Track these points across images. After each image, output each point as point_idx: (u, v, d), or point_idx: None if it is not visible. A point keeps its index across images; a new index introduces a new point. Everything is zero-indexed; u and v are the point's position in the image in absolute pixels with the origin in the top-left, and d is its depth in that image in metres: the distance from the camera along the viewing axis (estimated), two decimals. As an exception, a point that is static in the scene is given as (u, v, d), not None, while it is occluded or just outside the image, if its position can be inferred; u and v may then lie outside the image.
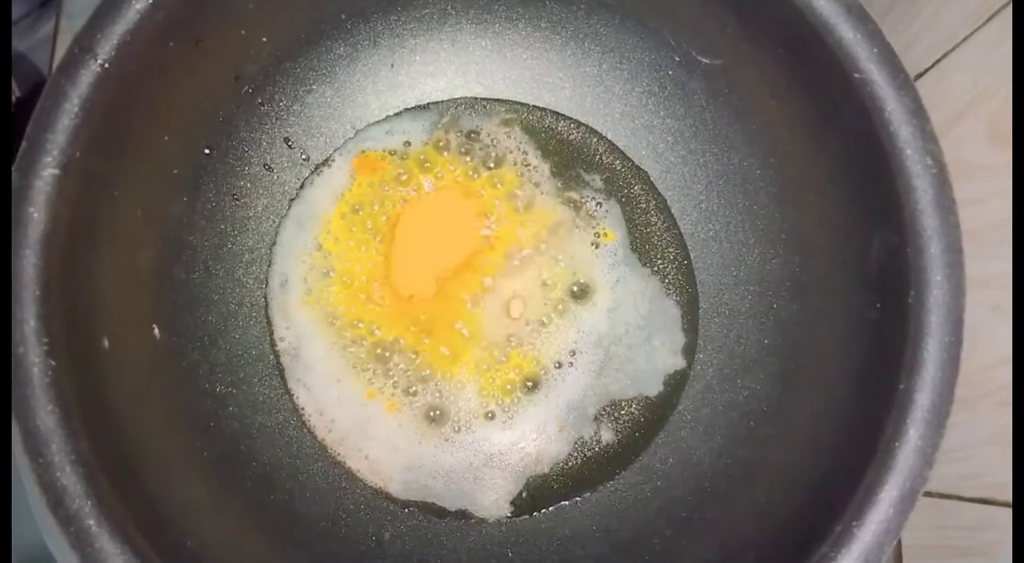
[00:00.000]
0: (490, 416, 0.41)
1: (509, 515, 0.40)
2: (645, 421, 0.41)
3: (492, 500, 0.40)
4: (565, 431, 0.41)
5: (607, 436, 0.41)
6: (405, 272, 0.42)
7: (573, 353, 0.42)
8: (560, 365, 0.41)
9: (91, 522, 0.28)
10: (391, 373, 0.41)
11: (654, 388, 0.42)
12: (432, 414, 0.41)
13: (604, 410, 0.41)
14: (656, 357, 0.42)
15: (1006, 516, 0.35)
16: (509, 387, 0.41)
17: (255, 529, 0.36)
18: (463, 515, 0.40)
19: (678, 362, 0.42)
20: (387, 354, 0.41)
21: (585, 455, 0.41)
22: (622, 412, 0.42)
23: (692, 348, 0.42)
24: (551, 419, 0.41)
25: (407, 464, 0.40)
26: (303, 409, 0.40)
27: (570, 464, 0.41)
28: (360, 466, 0.40)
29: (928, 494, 0.36)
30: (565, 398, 0.41)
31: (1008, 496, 0.35)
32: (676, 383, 0.42)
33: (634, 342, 0.42)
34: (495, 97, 0.44)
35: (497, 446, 0.41)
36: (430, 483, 0.40)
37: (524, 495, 0.40)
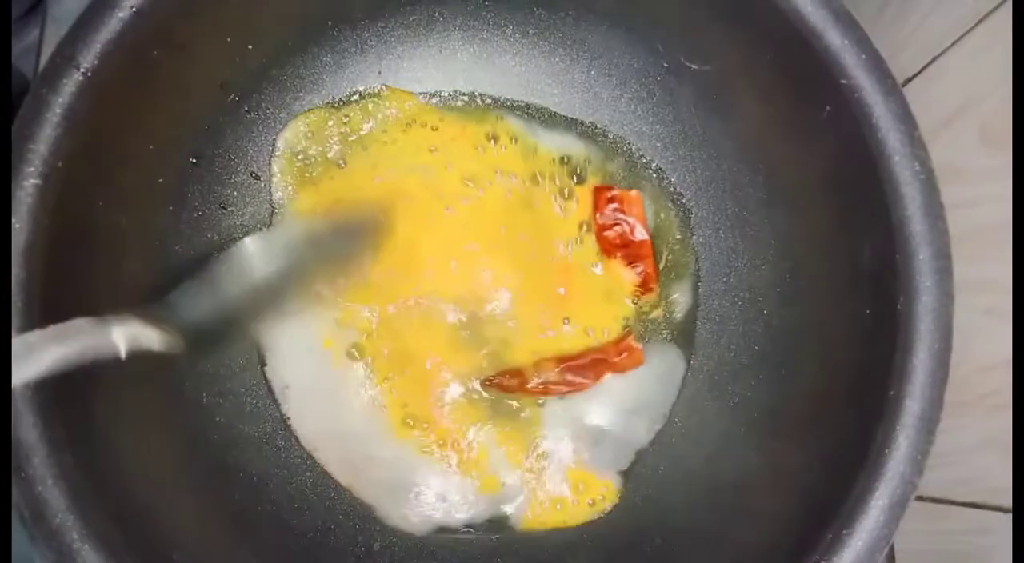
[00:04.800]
0: (481, 426, 0.40)
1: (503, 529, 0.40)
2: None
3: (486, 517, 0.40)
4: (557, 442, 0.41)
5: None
6: (392, 283, 0.41)
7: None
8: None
9: (74, 536, 0.27)
10: (380, 382, 0.40)
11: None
12: (418, 424, 0.40)
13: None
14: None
15: (998, 520, 0.35)
16: (497, 395, 0.41)
17: (243, 541, 0.36)
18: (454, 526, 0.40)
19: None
20: (375, 363, 0.41)
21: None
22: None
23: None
24: (540, 430, 0.41)
25: (395, 478, 0.40)
26: (290, 418, 0.40)
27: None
28: (349, 477, 0.40)
29: (920, 498, 0.36)
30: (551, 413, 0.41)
31: (1001, 500, 0.35)
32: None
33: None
34: (483, 103, 0.43)
35: (492, 454, 0.40)
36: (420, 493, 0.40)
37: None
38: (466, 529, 0.39)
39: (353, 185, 0.42)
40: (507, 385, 0.40)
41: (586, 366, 0.40)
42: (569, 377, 0.40)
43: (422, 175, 0.42)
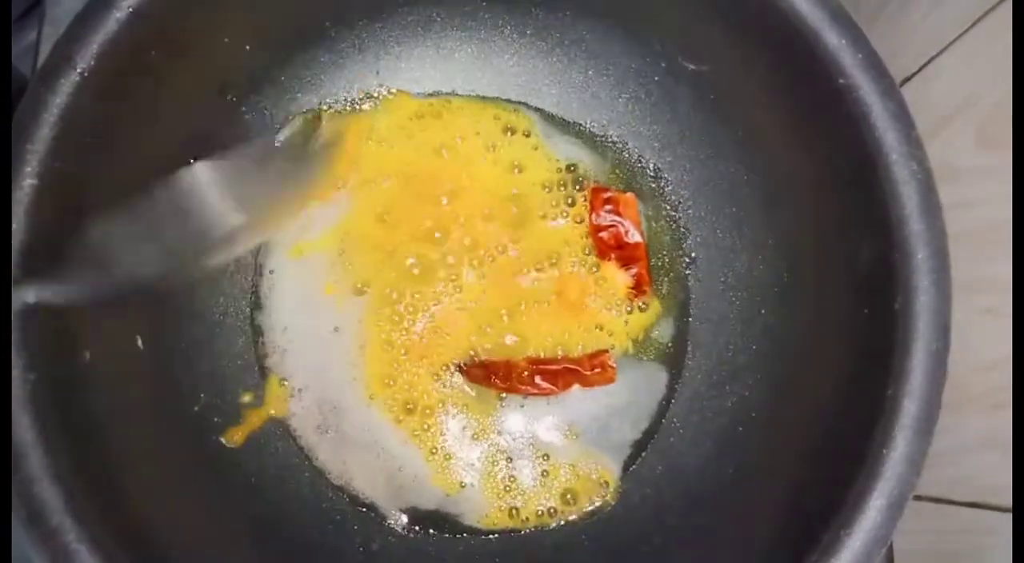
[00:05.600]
0: (445, 410, 0.41)
1: (498, 524, 0.40)
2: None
3: (481, 515, 0.40)
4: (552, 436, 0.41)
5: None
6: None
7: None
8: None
9: (71, 537, 0.27)
10: (379, 382, 0.40)
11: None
12: (423, 431, 0.40)
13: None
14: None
15: (997, 520, 0.35)
16: (494, 397, 0.41)
17: (241, 540, 0.36)
18: (453, 523, 0.39)
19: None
20: (375, 362, 0.41)
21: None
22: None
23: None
24: (495, 425, 0.41)
25: (393, 478, 0.40)
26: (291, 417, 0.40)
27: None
28: (347, 476, 0.40)
29: (919, 498, 0.36)
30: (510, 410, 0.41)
31: (1000, 500, 0.35)
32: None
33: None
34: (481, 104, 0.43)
35: (484, 452, 0.40)
36: (416, 493, 0.40)
37: (513, 509, 0.40)
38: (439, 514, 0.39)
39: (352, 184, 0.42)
40: (473, 374, 0.40)
41: (556, 373, 0.40)
42: (537, 380, 0.40)
43: (421, 174, 0.42)
